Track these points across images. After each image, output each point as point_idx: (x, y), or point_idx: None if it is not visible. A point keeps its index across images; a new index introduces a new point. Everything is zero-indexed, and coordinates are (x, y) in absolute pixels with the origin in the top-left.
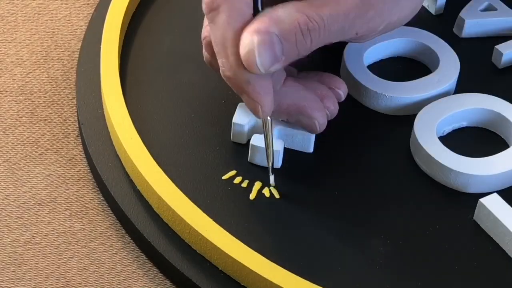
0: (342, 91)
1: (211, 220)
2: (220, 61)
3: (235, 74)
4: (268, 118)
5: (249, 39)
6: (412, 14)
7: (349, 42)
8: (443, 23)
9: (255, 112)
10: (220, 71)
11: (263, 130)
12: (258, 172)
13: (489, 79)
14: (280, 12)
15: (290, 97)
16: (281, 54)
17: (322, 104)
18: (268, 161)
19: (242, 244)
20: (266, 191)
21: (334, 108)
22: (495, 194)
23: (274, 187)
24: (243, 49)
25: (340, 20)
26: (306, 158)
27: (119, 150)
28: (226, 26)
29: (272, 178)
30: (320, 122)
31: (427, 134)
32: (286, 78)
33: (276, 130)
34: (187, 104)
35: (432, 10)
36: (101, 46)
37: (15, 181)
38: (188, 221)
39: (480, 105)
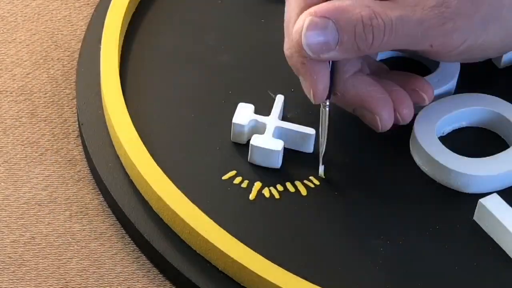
0: (427, 95)
1: (211, 220)
2: (285, 40)
3: (293, 53)
4: (327, 108)
5: (302, 19)
6: (503, 47)
7: (427, 56)
8: None
9: (308, 95)
10: (284, 50)
11: (320, 118)
12: (258, 173)
13: (489, 79)
14: (348, 2)
15: (356, 89)
16: (335, 43)
17: (390, 103)
18: (320, 151)
19: (242, 244)
20: (266, 191)
21: (407, 113)
22: (495, 194)
23: (323, 174)
24: (294, 28)
25: (411, 26)
26: (306, 158)
27: (119, 151)
28: (293, 5)
29: (321, 168)
30: (384, 119)
31: (427, 134)
32: (360, 71)
33: (276, 130)
34: (187, 104)
35: None
36: (101, 46)
37: (15, 181)
38: (188, 222)
39: (480, 105)
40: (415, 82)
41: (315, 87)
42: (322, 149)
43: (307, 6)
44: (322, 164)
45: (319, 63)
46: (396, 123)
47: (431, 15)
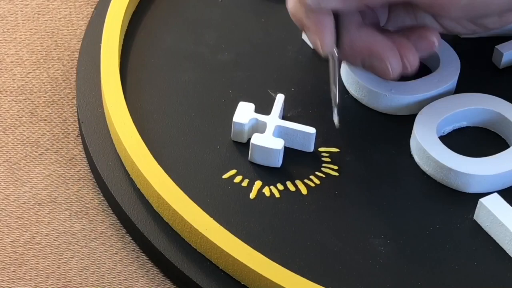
0: (436, 38)
1: (211, 219)
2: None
3: (296, 8)
4: (335, 57)
5: None
6: (505, 2)
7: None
8: None
9: (316, 47)
10: (287, 8)
11: (330, 69)
12: (259, 171)
13: (489, 79)
14: None
15: (364, 40)
16: None
17: (396, 50)
18: (333, 102)
19: (242, 243)
20: (266, 190)
21: (413, 59)
22: (495, 194)
23: (339, 123)
24: None
25: None
26: (306, 157)
27: (119, 150)
28: None
29: (336, 119)
30: (393, 65)
31: (427, 134)
32: (364, 23)
33: (277, 129)
34: (187, 103)
35: None
36: (101, 46)
37: (15, 181)
38: (188, 220)
39: (480, 105)
40: (419, 31)
41: (322, 36)
42: (336, 99)
43: None
44: (337, 115)
45: (323, 15)
46: (405, 71)
47: None
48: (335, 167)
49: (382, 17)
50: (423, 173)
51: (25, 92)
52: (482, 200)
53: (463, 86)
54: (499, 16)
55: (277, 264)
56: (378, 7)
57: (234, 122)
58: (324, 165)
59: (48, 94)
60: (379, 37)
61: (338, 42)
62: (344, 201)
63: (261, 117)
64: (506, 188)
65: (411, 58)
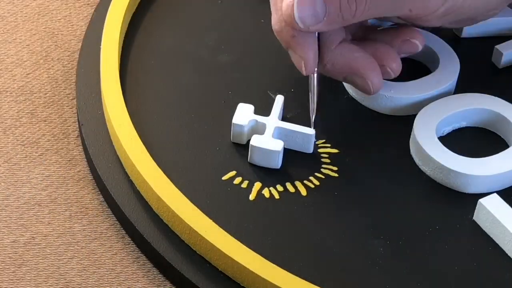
0: (419, 40)
1: (211, 220)
2: (272, 17)
3: (282, 28)
4: (314, 74)
5: None
6: (488, 8)
7: (408, 23)
8: None
9: (299, 67)
10: (272, 25)
11: (309, 84)
12: (258, 173)
13: (489, 79)
14: None
15: (345, 57)
16: (323, 15)
17: (377, 66)
18: (311, 117)
19: (242, 244)
20: (266, 192)
21: (396, 67)
22: (495, 194)
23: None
24: (284, 3)
25: None
26: (306, 158)
27: (119, 151)
28: None
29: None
30: (374, 82)
31: (427, 134)
32: (343, 40)
33: (276, 131)
34: (187, 104)
35: None
36: (101, 46)
37: (15, 181)
38: (188, 222)
39: (480, 105)
40: (404, 33)
41: (306, 57)
42: (313, 114)
43: None
44: (314, 128)
45: (308, 35)
46: (388, 77)
47: None
48: (335, 168)
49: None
50: (423, 173)
51: (25, 92)
52: (481, 200)
53: (463, 86)
54: (482, 16)
55: (276, 266)
56: None
57: (234, 123)
58: (323, 166)
59: (48, 94)
60: (361, 53)
61: (319, 60)
62: (344, 202)
63: (261, 119)
64: (505, 189)
65: (394, 66)
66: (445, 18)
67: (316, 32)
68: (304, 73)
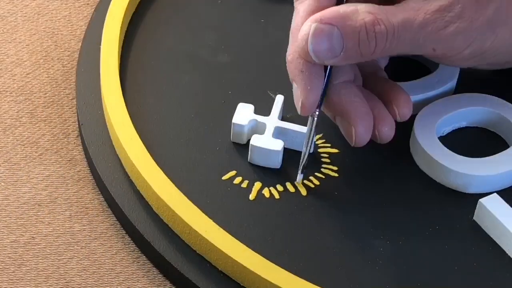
0: (401, 112)
1: (211, 220)
2: (288, 46)
3: (293, 60)
4: (314, 117)
5: (308, 25)
6: None
7: (435, 61)
8: None
9: (296, 104)
10: (286, 55)
11: (308, 127)
12: (258, 173)
13: (489, 79)
14: (352, 8)
15: (341, 97)
16: (340, 50)
17: (370, 119)
18: (301, 160)
19: (242, 244)
20: (266, 192)
21: (387, 131)
22: (495, 194)
23: (300, 183)
24: (300, 33)
25: (413, 31)
26: None
27: (119, 151)
28: (301, 13)
29: (299, 177)
30: (359, 133)
31: (427, 134)
32: (350, 81)
33: (276, 130)
34: (187, 104)
35: None
36: (101, 46)
37: (15, 181)
38: (188, 222)
39: (480, 105)
40: (392, 92)
41: (305, 98)
42: (304, 159)
43: (314, 13)
44: (301, 173)
45: (315, 75)
46: (375, 140)
47: (433, 19)
48: (335, 168)
49: (382, 62)
50: (423, 173)
51: (25, 92)
52: (481, 200)
53: (463, 86)
54: None
55: (276, 266)
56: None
57: (234, 123)
58: (323, 166)
59: (48, 94)
60: (359, 99)
61: (322, 99)
62: (344, 202)
63: (261, 118)
64: (505, 189)
65: (384, 130)
66: (474, 60)
67: (326, 75)
68: (299, 112)
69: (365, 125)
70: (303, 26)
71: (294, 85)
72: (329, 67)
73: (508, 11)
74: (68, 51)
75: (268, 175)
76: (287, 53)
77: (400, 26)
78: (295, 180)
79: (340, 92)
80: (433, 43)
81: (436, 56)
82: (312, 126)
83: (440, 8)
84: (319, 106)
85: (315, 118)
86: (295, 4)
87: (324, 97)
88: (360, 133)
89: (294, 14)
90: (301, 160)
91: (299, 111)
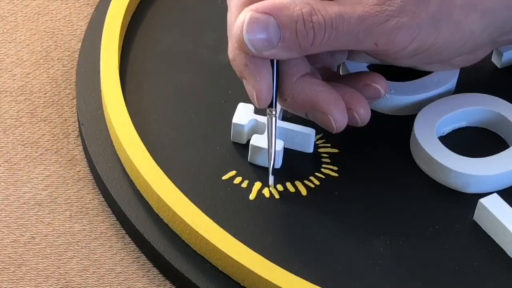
0: (381, 86)
1: (211, 220)
2: (229, 44)
3: (235, 56)
4: (273, 117)
5: (243, 15)
6: (461, 48)
7: (376, 58)
8: None
9: (252, 98)
10: (228, 53)
11: (267, 128)
12: (258, 173)
13: (489, 79)
14: None
15: (306, 91)
16: (277, 40)
17: (341, 101)
18: (269, 161)
19: (242, 244)
20: (266, 191)
21: (364, 113)
22: (495, 194)
23: (274, 187)
24: (236, 24)
25: (351, 23)
26: (306, 158)
27: (119, 151)
28: (234, 9)
29: (271, 179)
30: (336, 118)
31: (427, 134)
32: (307, 74)
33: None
34: (187, 104)
35: None
36: (101, 46)
37: (15, 181)
38: (188, 222)
39: (480, 105)
40: (366, 77)
41: (258, 89)
42: (271, 159)
43: (248, 5)
44: (272, 174)
45: (261, 65)
46: (355, 124)
47: (373, 12)
48: (335, 168)
49: (341, 57)
50: (423, 173)
51: (25, 92)
52: (482, 200)
53: (463, 86)
54: (463, 61)
55: (276, 266)
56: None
57: (234, 123)
58: (323, 166)
59: (48, 94)
60: (323, 87)
61: (276, 93)
62: (344, 202)
63: (261, 118)
64: (506, 189)
65: (361, 112)
66: (418, 58)
67: (275, 64)
68: (256, 105)
69: (339, 108)
70: (239, 16)
71: (244, 81)
72: (275, 61)
73: (450, 6)
74: (68, 51)
75: (268, 175)
76: (228, 52)
77: (338, 17)
78: (294, 180)
79: (303, 86)
80: (374, 37)
81: (378, 53)
82: (271, 125)
83: (380, 1)
84: (274, 105)
85: (273, 118)
86: (227, 1)
87: (279, 91)
88: (337, 117)
89: (228, 11)
90: (268, 162)
91: (256, 104)
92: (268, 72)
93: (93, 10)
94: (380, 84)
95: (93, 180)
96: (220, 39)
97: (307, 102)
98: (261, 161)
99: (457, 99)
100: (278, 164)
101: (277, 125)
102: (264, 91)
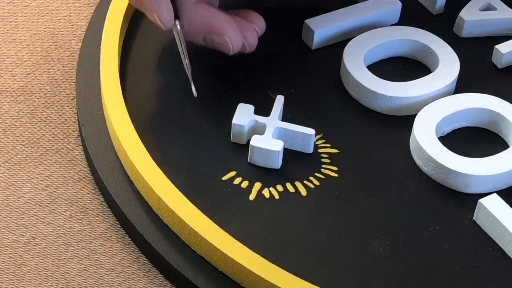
0: (258, 27)
1: (210, 221)
2: None
3: None
4: (177, 26)
5: None
6: None
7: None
8: (443, 23)
9: (155, 22)
10: None
11: (177, 41)
12: (258, 173)
13: (489, 79)
14: None
15: (202, 15)
16: None
17: (235, 24)
18: (187, 71)
19: (241, 245)
20: (266, 192)
21: (252, 40)
22: (495, 195)
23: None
24: None
25: None
26: (306, 159)
27: (119, 151)
28: None
29: (194, 88)
30: (233, 41)
31: (427, 134)
32: (202, 1)
33: (276, 131)
34: (187, 104)
35: (432, 10)
36: (101, 46)
37: (16, 181)
38: (187, 222)
39: (480, 105)
40: (245, 15)
41: (160, 12)
42: (188, 68)
43: None
44: (193, 84)
45: None
46: (243, 51)
47: None
48: (335, 168)
49: None
50: (423, 173)
51: (25, 92)
52: (481, 200)
53: (463, 86)
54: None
55: (276, 266)
56: None
57: (234, 123)
58: (323, 166)
59: (48, 94)
60: (217, 12)
61: (176, 11)
62: (344, 202)
63: (261, 119)
64: (505, 189)
65: (250, 38)
66: None
67: None
68: (162, 27)
69: (234, 30)
70: None
71: (146, 12)
72: None
73: None
74: (68, 51)
75: (268, 175)
76: None
77: None
78: (294, 180)
79: (199, 11)
80: None
81: None
82: (179, 36)
83: None
84: (176, 17)
85: (178, 27)
86: None
87: (183, 15)
88: (233, 38)
89: None
90: (187, 72)
91: (162, 27)
92: None
93: (93, 10)
94: (258, 25)
95: (93, 181)
96: None
97: (203, 26)
98: (261, 161)
99: (457, 99)
100: (278, 164)
101: (182, 36)
102: (165, 14)
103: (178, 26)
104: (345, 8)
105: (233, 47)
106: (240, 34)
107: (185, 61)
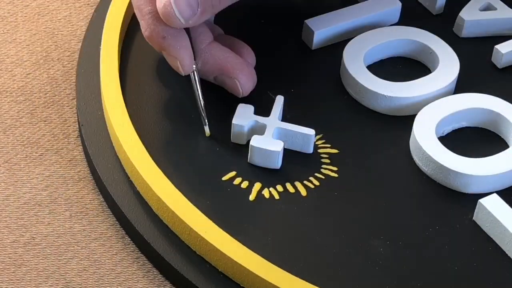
0: (250, 62)
1: (210, 221)
2: (140, 25)
3: (152, 32)
4: (194, 72)
5: None
6: None
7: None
8: (443, 23)
9: (176, 68)
10: (142, 33)
11: (192, 83)
12: (258, 173)
13: (489, 79)
14: None
15: (214, 56)
16: (196, 6)
17: (247, 67)
18: (201, 114)
19: (242, 245)
20: (265, 192)
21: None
22: (495, 195)
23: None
24: (160, 3)
25: None
26: (306, 159)
27: (119, 151)
28: None
29: (207, 128)
30: (243, 83)
31: (427, 134)
32: (213, 41)
33: (276, 131)
34: (187, 104)
35: (432, 10)
36: (101, 46)
37: (15, 181)
38: (187, 223)
39: (480, 105)
40: (238, 49)
41: (181, 56)
42: (202, 111)
43: None
44: (206, 124)
45: (179, 35)
46: (237, 95)
47: None
48: (335, 169)
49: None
50: (423, 173)
51: (25, 92)
52: (481, 200)
53: (463, 86)
54: None
55: (276, 266)
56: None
57: (234, 124)
58: (323, 166)
59: (48, 94)
60: (230, 54)
61: (195, 55)
62: (344, 202)
63: (261, 119)
64: (505, 189)
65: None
66: None
67: (190, 32)
68: (182, 73)
69: (245, 74)
70: None
71: (165, 54)
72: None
73: None
74: (68, 51)
75: (268, 175)
76: (143, 31)
77: None
78: (294, 180)
79: (212, 52)
80: None
81: None
82: (195, 80)
83: None
84: (195, 60)
85: (195, 72)
86: None
87: (197, 56)
88: (244, 82)
89: None
90: (200, 114)
91: (181, 72)
92: (186, 40)
93: (93, 10)
94: (248, 59)
95: (93, 181)
96: None
97: (215, 67)
98: (261, 161)
99: (457, 99)
100: (278, 165)
101: (199, 78)
102: (187, 58)
103: (195, 69)
104: (345, 8)
105: (243, 92)
106: (251, 78)
107: (200, 102)
